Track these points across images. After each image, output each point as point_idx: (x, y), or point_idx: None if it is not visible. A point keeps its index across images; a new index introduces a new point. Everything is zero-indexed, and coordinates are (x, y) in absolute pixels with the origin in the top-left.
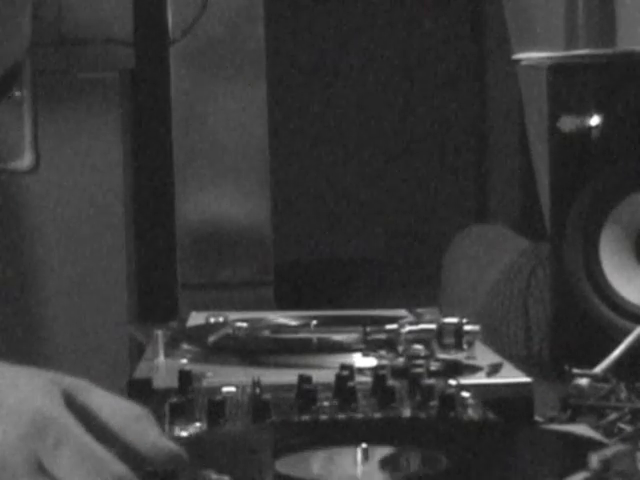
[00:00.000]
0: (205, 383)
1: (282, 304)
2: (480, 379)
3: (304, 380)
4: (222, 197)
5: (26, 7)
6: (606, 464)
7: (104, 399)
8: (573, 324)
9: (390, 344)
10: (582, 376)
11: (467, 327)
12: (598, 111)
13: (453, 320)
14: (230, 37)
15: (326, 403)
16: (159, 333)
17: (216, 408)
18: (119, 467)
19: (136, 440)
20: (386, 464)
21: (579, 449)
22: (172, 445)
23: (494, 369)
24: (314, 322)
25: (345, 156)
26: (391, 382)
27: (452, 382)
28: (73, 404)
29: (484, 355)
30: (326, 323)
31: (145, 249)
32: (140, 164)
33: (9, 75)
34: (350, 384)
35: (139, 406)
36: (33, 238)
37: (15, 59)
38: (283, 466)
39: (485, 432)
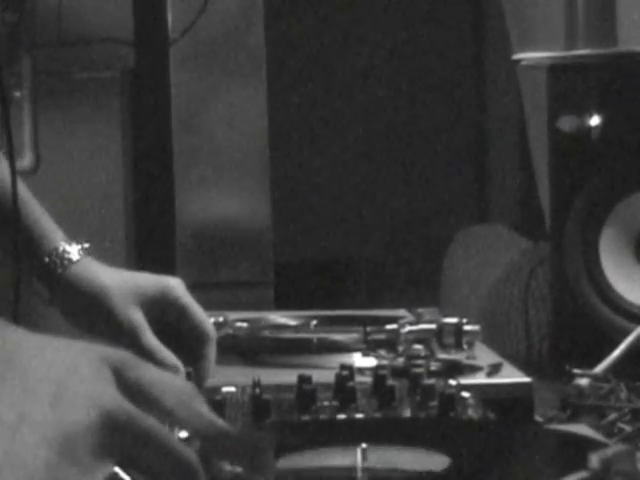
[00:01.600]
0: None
1: (282, 304)
2: (480, 379)
3: (304, 380)
4: (222, 197)
5: None
6: (606, 464)
7: (155, 375)
8: (573, 324)
9: (390, 344)
10: (582, 376)
11: (467, 327)
12: (598, 111)
13: (453, 320)
14: (230, 37)
15: (326, 403)
16: None
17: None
18: (197, 461)
19: (191, 417)
20: (385, 464)
21: (579, 449)
22: (222, 422)
23: (494, 369)
24: (314, 322)
25: (345, 156)
26: (391, 382)
27: (452, 382)
28: (123, 379)
29: (484, 355)
30: (326, 323)
31: (145, 249)
32: (140, 164)
33: None
34: (350, 384)
35: (189, 383)
36: None
37: None
38: (283, 466)
39: (485, 432)
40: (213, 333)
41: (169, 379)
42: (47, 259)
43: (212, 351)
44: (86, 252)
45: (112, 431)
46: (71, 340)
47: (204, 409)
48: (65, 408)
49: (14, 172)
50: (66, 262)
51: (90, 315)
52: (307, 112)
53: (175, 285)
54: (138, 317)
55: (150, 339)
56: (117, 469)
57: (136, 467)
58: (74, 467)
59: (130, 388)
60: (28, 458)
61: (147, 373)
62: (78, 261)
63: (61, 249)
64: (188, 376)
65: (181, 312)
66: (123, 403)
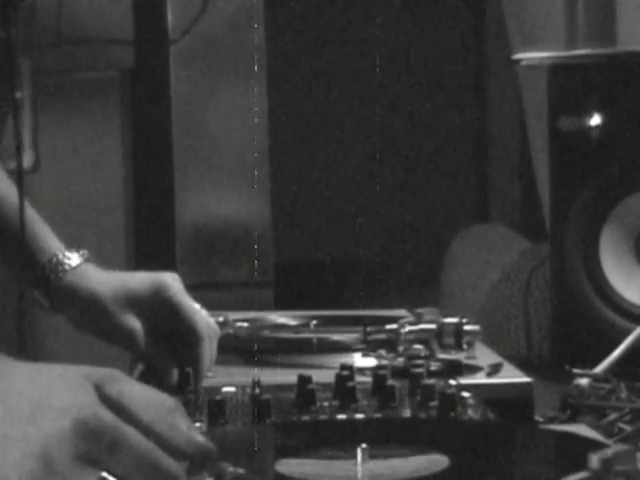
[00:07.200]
0: (205, 383)
1: (282, 304)
2: (480, 379)
3: (304, 380)
4: (222, 197)
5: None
6: (606, 464)
7: (136, 390)
8: (573, 324)
9: (390, 344)
10: (582, 376)
11: (467, 327)
12: (598, 111)
13: (453, 320)
14: (230, 37)
15: (326, 403)
16: None
17: (216, 408)
18: (175, 466)
19: (169, 432)
20: (385, 464)
21: (579, 449)
22: (202, 438)
23: (494, 369)
24: (314, 322)
25: (345, 156)
26: (391, 382)
27: (452, 382)
28: (104, 395)
29: (484, 355)
30: (326, 323)
31: (145, 249)
32: (140, 164)
33: None
34: (350, 384)
35: (170, 398)
36: None
37: None
38: (283, 466)
39: (485, 432)
40: (206, 333)
41: (150, 394)
42: (44, 269)
43: (205, 352)
44: (84, 259)
45: (86, 438)
46: (58, 363)
47: (184, 424)
48: (42, 421)
49: None
50: (62, 271)
51: (90, 321)
52: (307, 112)
53: (169, 282)
54: (130, 322)
55: (142, 346)
56: (104, 474)
57: (115, 475)
58: (55, 476)
59: (110, 402)
60: (12, 474)
61: (128, 388)
62: (74, 269)
63: (57, 259)
64: (187, 375)
65: (173, 311)
66: (99, 411)
